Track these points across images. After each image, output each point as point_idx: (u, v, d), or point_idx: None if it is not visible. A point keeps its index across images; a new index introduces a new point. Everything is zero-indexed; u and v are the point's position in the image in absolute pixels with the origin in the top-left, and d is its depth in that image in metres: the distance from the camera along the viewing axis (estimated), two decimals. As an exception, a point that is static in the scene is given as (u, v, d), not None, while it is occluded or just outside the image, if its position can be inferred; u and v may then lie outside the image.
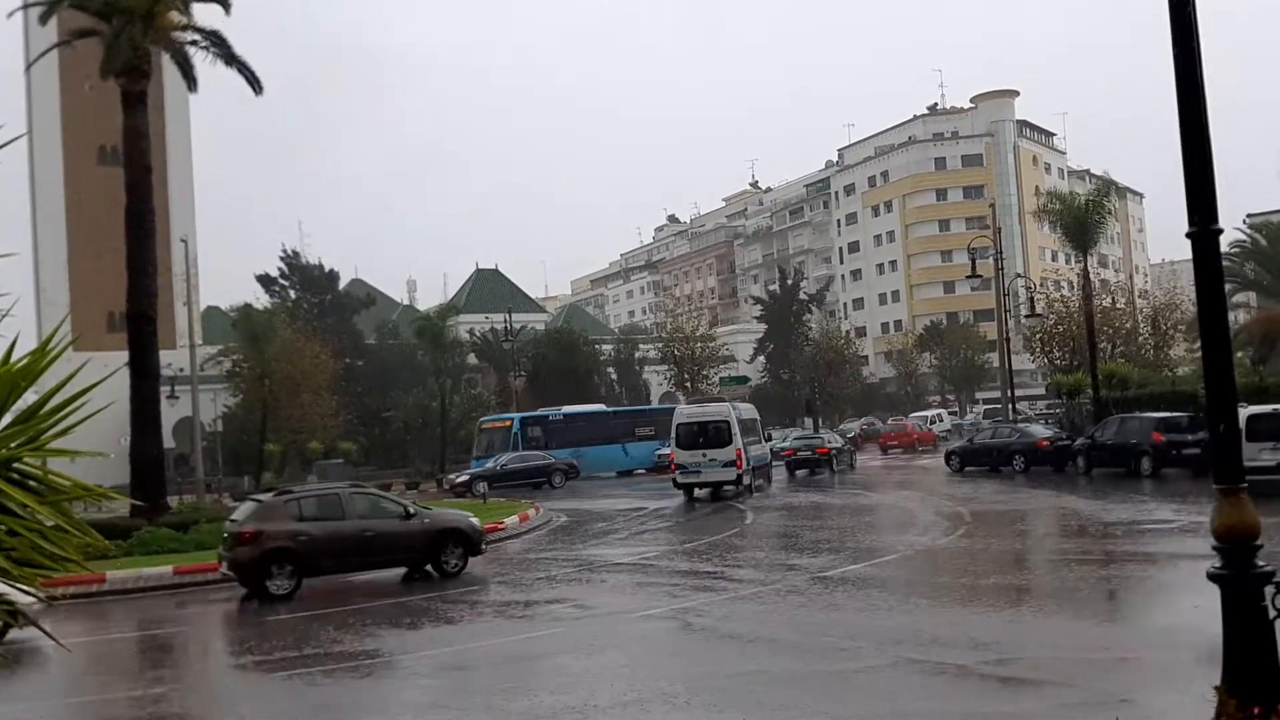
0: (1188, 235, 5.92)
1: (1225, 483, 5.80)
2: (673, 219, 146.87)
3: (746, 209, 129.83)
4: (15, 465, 3.45)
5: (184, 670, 13.38)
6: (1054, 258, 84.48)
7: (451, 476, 44.93)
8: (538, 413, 52.54)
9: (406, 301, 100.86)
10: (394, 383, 66.38)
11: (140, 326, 27.09)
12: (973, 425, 53.25)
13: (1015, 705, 8.67)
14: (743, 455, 31.67)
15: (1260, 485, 15.60)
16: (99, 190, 53.48)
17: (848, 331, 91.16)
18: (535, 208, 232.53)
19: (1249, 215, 59.41)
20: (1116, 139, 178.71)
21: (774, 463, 40.03)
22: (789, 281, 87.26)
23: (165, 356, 31.59)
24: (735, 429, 31.74)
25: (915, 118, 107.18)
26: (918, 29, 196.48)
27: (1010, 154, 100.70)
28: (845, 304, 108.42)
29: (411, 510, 18.99)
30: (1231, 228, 50.11)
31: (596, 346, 75.44)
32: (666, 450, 47.78)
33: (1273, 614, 5.59)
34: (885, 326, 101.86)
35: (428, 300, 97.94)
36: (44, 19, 29.90)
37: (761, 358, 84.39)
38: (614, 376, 77.17)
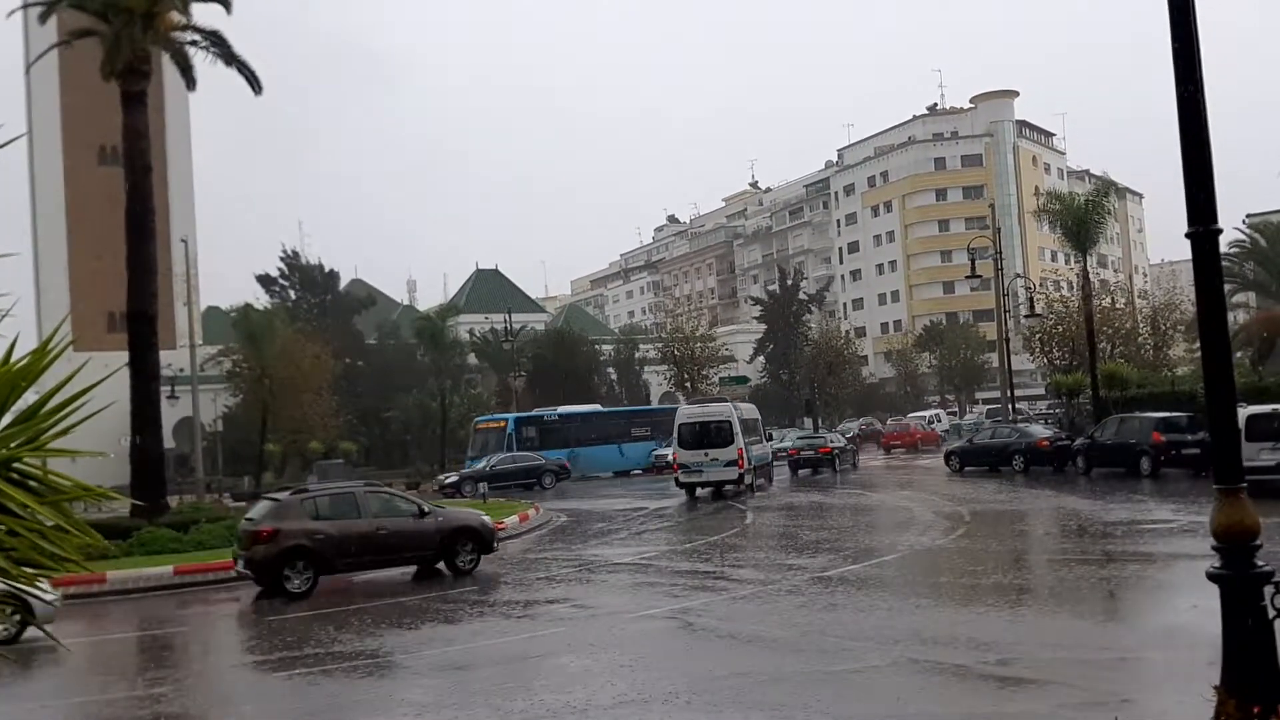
0: (1187, 235, 5.92)
1: (1225, 483, 5.81)
2: (672, 219, 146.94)
3: (746, 209, 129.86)
4: (15, 465, 3.45)
5: (185, 670, 13.38)
6: (1053, 258, 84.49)
7: (441, 477, 44.86)
8: (532, 413, 52.49)
9: (406, 301, 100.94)
10: (394, 383, 66.40)
11: (140, 326, 27.09)
12: (975, 425, 53.16)
13: (1015, 705, 8.67)
14: (744, 455, 31.86)
15: (1260, 485, 15.67)
16: (99, 190, 53.53)
17: (847, 332, 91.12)
18: (535, 208, 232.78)
19: (1248, 215, 59.47)
20: (1116, 139, 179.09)
21: (776, 462, 40.21)
22: (789, 282, 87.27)
23: (165, 357, 31.60)
24: (737, 429, 31.92)
25: (915, 118, 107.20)
26: (917, 29, 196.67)
27: (1010, 154, 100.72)
28: (845, 304, 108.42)
29: (425, 509, 19.15)
30: (1231, 228, 50.15)
31: (596, 347, 75.45)
32: (663, 450, 48.10)
33: (1272, 614, 5.59)
34: (885, 327, 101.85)
35: (428, 300, 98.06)
36: (44, 19, 29.92)
37: (761, 358, 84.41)
38: (614, 377, 77.19)
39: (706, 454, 31.78)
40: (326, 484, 23.05)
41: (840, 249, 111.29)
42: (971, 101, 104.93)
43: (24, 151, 62.01)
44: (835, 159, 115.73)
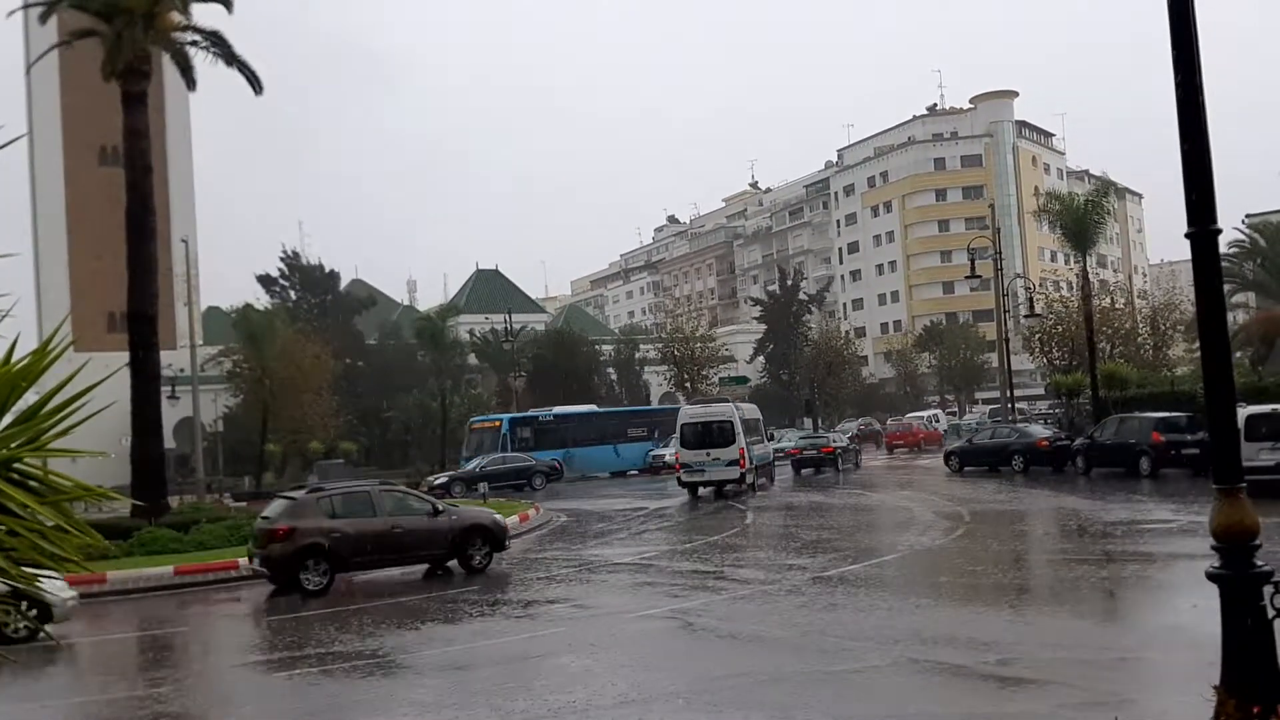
0: (1187, 235, 5.93)
1: (1224, 483, 5.81)
2: (672, 219, 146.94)
3: (746, 209, 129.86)
4: (16, 465, 3.45)
5: (186, 670, 13.38)
6: (1053, 258, 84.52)
7: (430, 478, 44.86)
8: (528, 413, 52.44)
9: (407, 302, 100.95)
10: (394, 383, 66.41)
11: (140, 327, 27.09)
12: (976, 425, 53.16)
13: (1015, 705, 8.68)
14: (746, 454, 32.08)
15: (1259, 485, 15.65)
16: (99, 190, 53.53)
17: (847, 332, 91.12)
18: (535, 208, 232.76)
19: (1248, 215, 59.48)
20: (1116, 139, 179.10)
21: (778, 462, 40.40)
22: (789, 282, 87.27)
23: (166, 357, 31.59)
24: (739, 428, 32.14)
25: (915, 118, 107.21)
26: (917, 29, 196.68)
27: (1009, 154, 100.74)
28: (845, 304, 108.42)
29: (439, 508, 19.29)
30: (1230, 228, 50.18)
31: (596, 347, 75.45)
32: (661, 451, 48.20)
33: (1272, 613, 5.60)
34: (884, 327, 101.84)
35: (428, 300, 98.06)
36: (44, 19, 29.91)
37: (761, 358, 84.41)
38: (614, 377, 77.19)
39: (709, 453, 32.02)
40: (342, 483, 23.21)
41: (840, 249, 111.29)
42: (971, 102, 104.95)
43: (24, 152, 62.05)
44: (835, 159, 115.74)
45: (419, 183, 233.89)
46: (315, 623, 14.97)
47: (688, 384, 64.22)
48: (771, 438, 43.45)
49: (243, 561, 20.92)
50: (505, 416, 50.85)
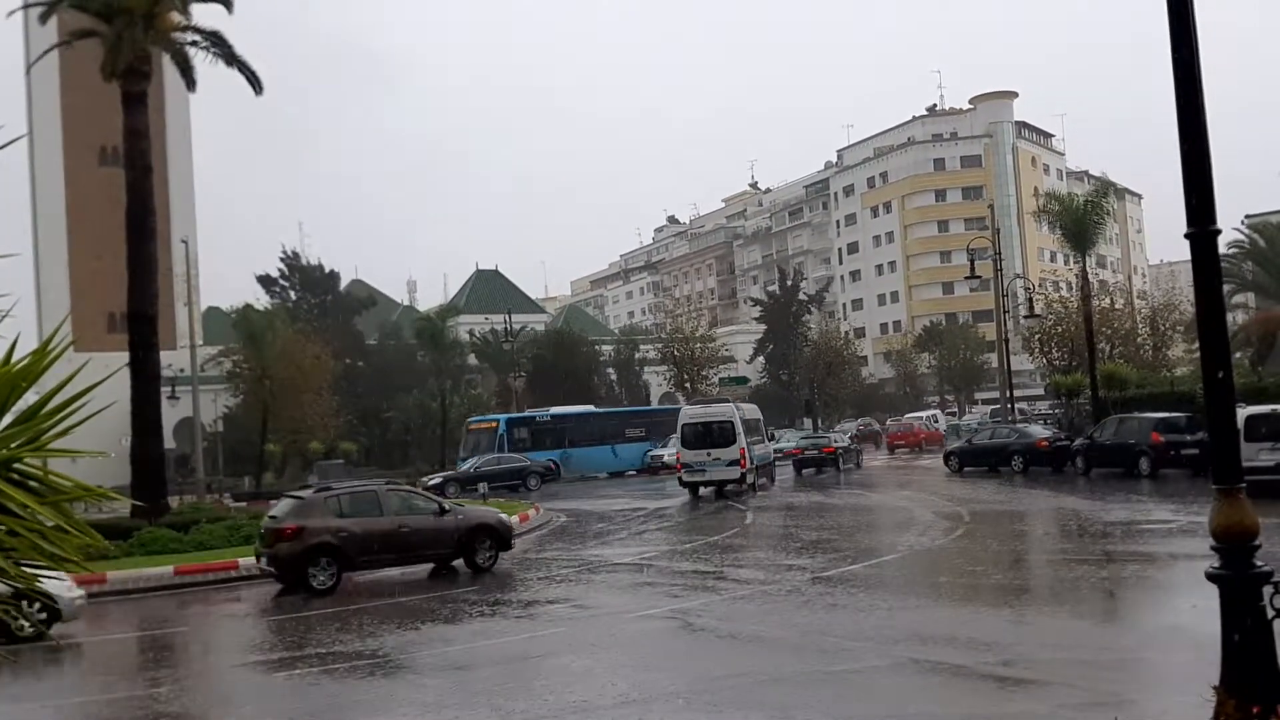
0: (1186, 236, 5.93)
1: (1223, 483, 5.81)
2: (672, 220, 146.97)
3: (746, 210, 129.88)
4: (16, 466, 3.45)
5: (186, 670, 13.38)
6: (1053, 258, 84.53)
7: (423, 479, 44.87)
8: (524, 414, 52.38)
9: (407, 302, 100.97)
10: (394, 383, 66.41)
11: (140, 327, 27.09)
12: (977, 425, 53.18)
13: (1015, 706, 8.68)
14: (746, 454, 32.25)
15: (1258, 485, 15.65)
16: (99, 191, 53.53)
17: (847, 332, 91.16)
18: (535, 208, 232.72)
19: (1247, 216, 59.45)
20: (1116, 139, 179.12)
21: (780, 461, 40.54)
22: (788, 282, 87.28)
23: (166, 357, 31.59)
24: (739, 429, 32.30)
25: (914, 119, 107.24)
26: (917, 29, 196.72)
27: (1009, 155, 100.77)
28: (844, 305, 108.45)
29: (445, 507, 19.42)
30: (1230, 228, 50.19)
31: (596, 347, 75.47)
32: (659, 451, 48.24)
33: (1271, 614, 5.60)
34: (884, 327, 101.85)
35: (428, 301, 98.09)
36: (44, 19, 29.90)
37: (761, 358, 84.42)
38: (614, 377, 77.20)
39: (709, 453, 32.20)
40: (349, 482, 23.69)
41: (840, 250, 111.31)
42: (971, 102, 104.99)
43: (24, 152, 62.04)
44: (835, 159, 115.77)
45: (419, 183, 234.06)
46: (315, 622, 14.98)
47: (687, 384, 64.22)
48: (772, 438, 43.52)
49: (243, 561, 20.96)
50: (502, 417, 50.80)
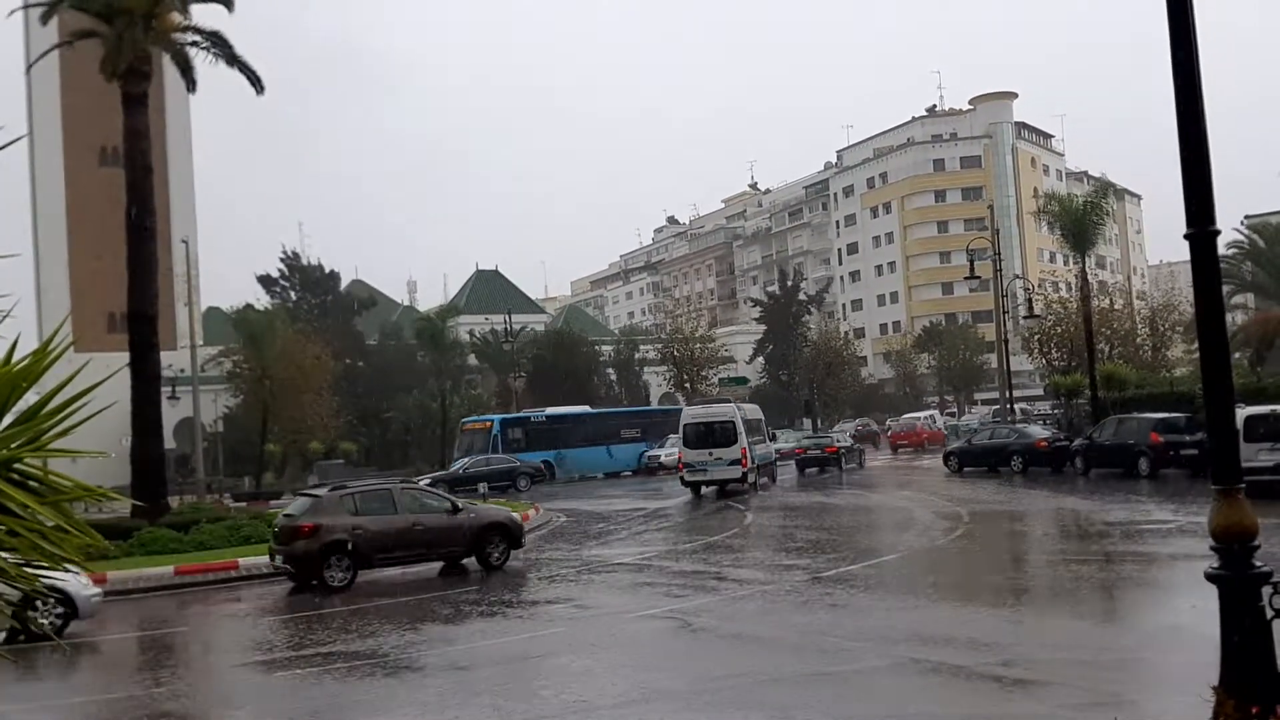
0: (1186, 236, 5.93)
1: (1223, 483, 5.82)
2: (672, 220, 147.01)
3: (745, 210, 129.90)
4: (16, 466, 3.46)
5: (186, 670, 13.38)
6: (1052, 259, 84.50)
7: (413, 480, 44.70)
8: (519, 414, 52.29)
9: (407, 302, 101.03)
10: (394, 383, 66.41)
11: (141, 327, 27.10)
12: (978, 425, 53.19)
13: (1015, 706, 8.69)
14: (748, 454, 32.53)
15: (1258, 486, 15.67)
16: (100, 191, 53.55)
17: (846, 333, 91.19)
18: (535, 209, 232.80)
19: (1247, 216, 59.44)
20: (1115, 139, 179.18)
21: (780, 461, 40.71)
22: (788, 283, 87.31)
23: (166, 357, 31.58)
24: (740, 429, 32.56)
25: (914, 119, 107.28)
26: (917, 29, 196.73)
27: (1008, 156, 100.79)
28: (844, 305, 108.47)
29: (458, 505, 19.56)
30: (1229, 229, 50.21)
31: (596, 347, 75.47)
32: (656, 451, 48.29)
33: (1270, 614, 5.60)
34: (884, 328, 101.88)
35: (428, 301, 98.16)
36: (45, 19, 29.89)
37: (760, 359, 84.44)
38: (613, 377, 77.22)
39: (711, 453, 32.47)
40: (364, 481, 24.09)
41: (839, 250, 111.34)
42: (970, 103, 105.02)
43: (25, 152, 62.05)
44: (834, 160, 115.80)
45: (419, 183, 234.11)
46: (316, 623, 14.98)
47: (687, 384, 64.23)
48: (772, 438, 43.64)
49: (243, 561, 20.99)
50: (496, 417, 50.60)
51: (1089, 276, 40.02)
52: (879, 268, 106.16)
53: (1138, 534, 18.86)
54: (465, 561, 19.31)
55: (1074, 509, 23.84)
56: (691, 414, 34.44)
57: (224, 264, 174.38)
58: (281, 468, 56.56)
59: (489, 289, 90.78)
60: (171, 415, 38.67)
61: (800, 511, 27.42)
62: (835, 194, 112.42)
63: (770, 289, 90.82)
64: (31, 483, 3.48)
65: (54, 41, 30.79)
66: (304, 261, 70.90)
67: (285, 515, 19.10)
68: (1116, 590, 14.08)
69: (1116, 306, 52.70)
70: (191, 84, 29.68)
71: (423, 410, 63.22)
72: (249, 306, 57.69)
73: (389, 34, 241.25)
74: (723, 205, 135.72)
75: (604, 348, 77.85)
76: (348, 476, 43.86)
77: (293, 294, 69.81)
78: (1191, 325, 34.97)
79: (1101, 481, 29.76)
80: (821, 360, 73.11)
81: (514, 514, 20.70)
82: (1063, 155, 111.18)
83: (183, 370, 46.74)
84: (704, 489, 33.04)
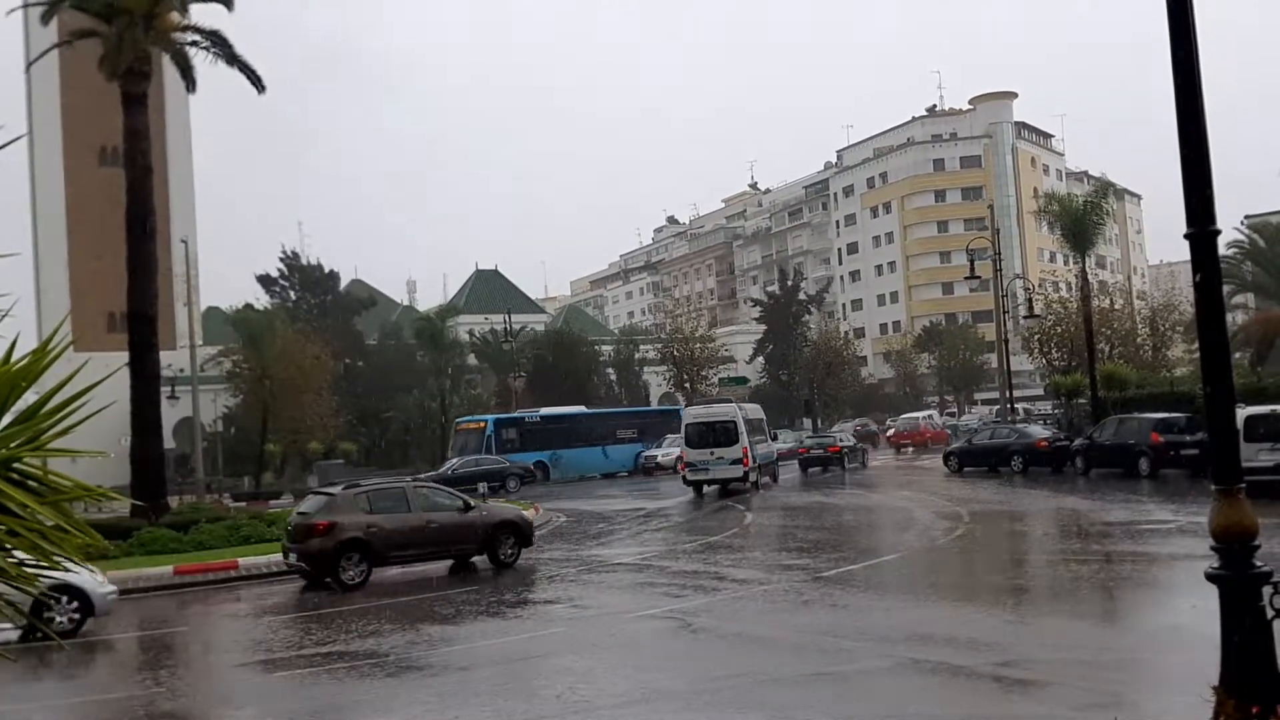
0: (1186, 236, 5.93)
1: (1223, 483, 5.81)
2: (672, 220, 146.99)
3: (745, 210, 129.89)
4: (15, 465, 3.46)
5: (186, 670, 13.37)
6: (1052, 259, 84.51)
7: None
8: (513, 415, 52.19)
9: (406, 302, 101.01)
10: (394, 383, 66.41)
11: (140, 327, 27.10)
12: (978, 424, 53.22)
13: (1015, 707, 8.69)
14: (749, 453, 32.80)
15: (1258, 486, 15.66)
16: (99, 191, 53.53)
17: (846, 332, 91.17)
18: (535, 209, 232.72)
19: (1247, 216, 59.41)
20: (1115, 139, 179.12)
21: (781, 461, 40.87)
22: (788, 283, 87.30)
23: (165, 357, 31.59)
24: (742, 428, 32.83)
25: (914, 119, 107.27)
26: (917, 29, 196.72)
27: (1009, 155, 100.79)
28: (844, 305, 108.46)
29: (470, 504, 19.73)
30: (1230, 228, 50.18)
31: (596, 347, 75.46)
32: (652, 452, 48.34)
33: (1270, 614, 5.60)
34: (884, 327, 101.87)
35: (428, 301, 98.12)
36: (45, 19, 29.89)
37: (760, 359, 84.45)
38: (613, 377, 77.21)
39: (712, 453, 32.79)
40: (376, 480, 24.20)
41: (839, 250, 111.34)
42: (970, 103, 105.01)
43: (24, 152, 62.04)
44: (834, 160, 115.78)
45: (419, 183, 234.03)
46: (316, 623, 14.98)
47: (687, 384, 64.23)
48: (775, 438, 43.86)
49: (243, 561, 21.00)
50: (490, 418, 50.33)
51: (1089, 276, 40.04)
52: (879, 267, 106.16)
53: (1138, 534, 18.86)
54: (475, 559, 19.48)
55: (1074, 509, 23.84)
56: (694, 414, 34.74)
57: (224, 264, 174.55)
58: (281, 468, 56.56)
59: (489, 289, 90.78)
60: (171, 415, 38.68)
61: (800, 511, 27.43)
62: (835, 194, 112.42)
63: (770, 289, 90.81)
64: (31, 482, 3.47)
65: (54, 41, 30.79)
66: (304, 261, 70.90)
67: (299, 513, 19.17)
68: (1117, 590, 14.08)
69: (1117, 306, 52.72)
70: (191, 84, 29.68)
71: (423, 410, 63.22)
72: (249, 306, 57.76)
73: (389, 34, 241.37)
74: (723, 205, 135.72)
75: (604, 348, 77.83)
76: (347, 476, 43.87)
77: (292, 294, 69.80)
78: (1192, 325, 35.01)
79: (1102, 481, 29.76)
80: (821, 360, 73.12)
81: (525, 513, 20.87)
82: (1063, 155, 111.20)
83: (182, 370, 46.75)
84: (706, 488, 33.34)
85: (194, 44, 28.56)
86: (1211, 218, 5.89)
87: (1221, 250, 6.59)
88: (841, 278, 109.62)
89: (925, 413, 69.12)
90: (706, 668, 10.45)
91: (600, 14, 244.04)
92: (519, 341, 66.43)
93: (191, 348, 43.58)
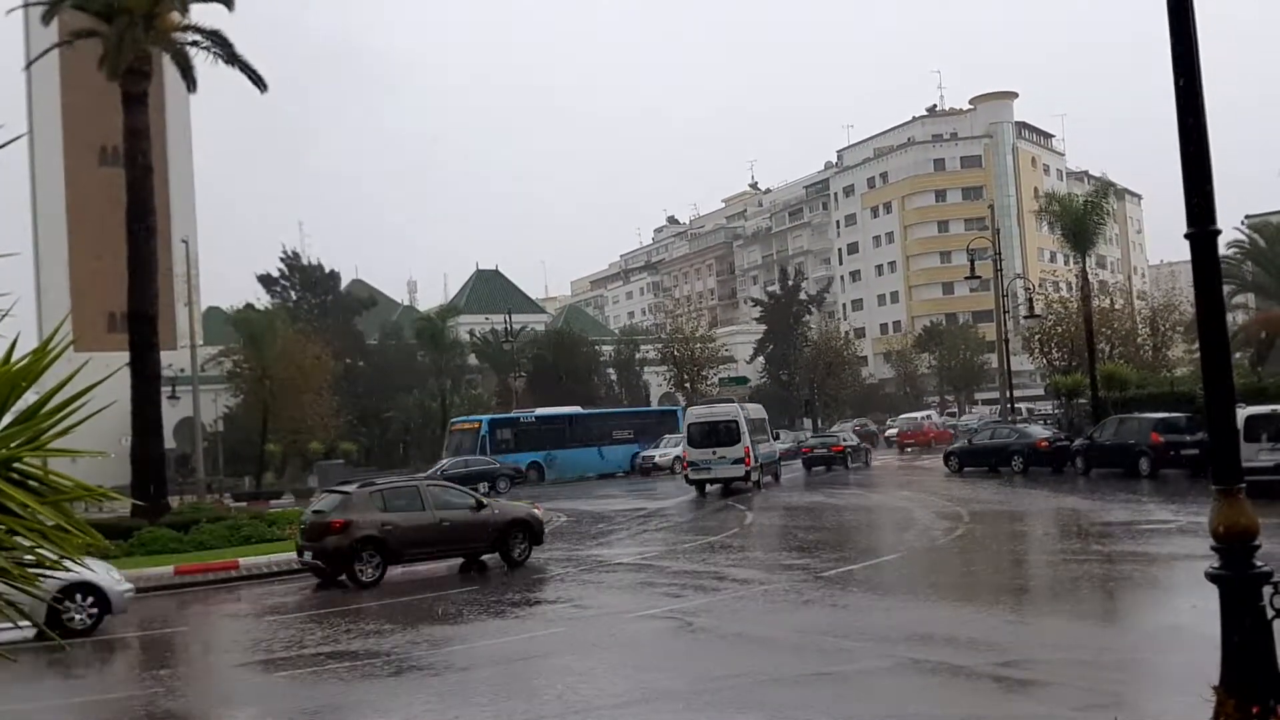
0: (1186, 236, 5.92)
1: (1223, 483, 5.81)
2: (672, 220, 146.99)
3: (746, 210, 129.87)
4: (16, 465, 3.46)
5: (186, 670, 13.37)
6: (1052, 259, 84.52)
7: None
8: (508, 415, 52.07)
9: (407, 302, 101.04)
10: (394, 383, 66.40)
11: (141, 327, 27.10)
12: (978, 424, 53.20)
13: (1015, 707, 8.68)
14: (751, 453, 33.09)
15: (1258, 486, 15.65)
16: (100, 190, 53.55)
17: (847, 332, 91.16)
18: (535, 209, 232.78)
19: (1247, 216, 59.45)
20: (1116, 139, 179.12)
21: (783, 460, 41.14)
22: (789, 282, 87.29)
23: (166, 357, 31.58)
24: (744, 428, 33.10)
25: (914, 119, 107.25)
26: (917, 29, 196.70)
27: (1009, 155, 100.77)
28: (844, 305, 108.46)
29: (483, 502, 19.91)
30: (1230, 228, 50.20)
31: (596, 347, 75.45)
32: (650, 452, 48.36)
33: (1271, 614, 5.60)
34: (884, 327, 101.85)
35: (428, 301, 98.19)
36: (46, 19, 29.88)
37: (761, 358, 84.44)
38: (614, 377, 77.21)
39: (714, 452, 33.11)
40: (390, 478, 24.29)
41: (840, 250, 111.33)
42: (971, 103, 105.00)
43: (25, 151, 62.06)
44: (835, 160, 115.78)
45: (419, 183, 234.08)
46: (316, 623, 14.98)
47: (687, 384, 64.22)
48: (778, 437, 44.05)
49: (243, 561, 21.00)
50: (485, 418, 50.17)
51: (1089, 276, 40.04)
52: (879, 267, 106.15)
53: (1138, 534, 18.86)
54: (486, 557, 19.61)
55: (1074, 509, 23.83)
56: (696, 413, 35.05)
57: (224, 264, 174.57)
58: (281, 468, 56.54)
59: (489, 289, 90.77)
60: (171, 415, 38.67)
61: (801, 511, 27.43)
62: (835, 194, 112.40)
63: (770, 289, 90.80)
64: (31, 482, 3.48)
65: (54, 41, 30.78)
66: (304, 261, 70.92)
67: (314, 511, 19.24)
68: (1117, 590, 14.07)
69: (1117, 306, 52.68)
70: (191, 84, 29.68)
71: (423, 410, 63.22)
72: (249, 306, 57.77)
73: (389, 33, 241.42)
74: (723, 205, 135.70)
75: (604, 348, 77.81)
76: (348, 476, 43.85)
77: (293, 294, 69.81)
78: (1192, 325, 35.03)
79: (1102, 481, 29.75)
80: (822, 360, 73.10)
81: (535, 511, 21.01)
82: (1063, 155, 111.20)
83: (183, 370, 46.75)
84: (708, 487, 33.68)
85: (194, 44, 28.56)
86: (1212, 217, 5.88)
87: (1222, 250, 6.59)
88: (842, 278, 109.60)
89: (924, 413, 69.12)
90: (706, 668, 10.45)
91: (600, 14, 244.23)
92: (519, 341, 66.43)
93: (192, 348, 43.57)
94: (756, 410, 37.97)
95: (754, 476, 33.65)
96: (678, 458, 44.03)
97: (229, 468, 54.69)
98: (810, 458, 43.25)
